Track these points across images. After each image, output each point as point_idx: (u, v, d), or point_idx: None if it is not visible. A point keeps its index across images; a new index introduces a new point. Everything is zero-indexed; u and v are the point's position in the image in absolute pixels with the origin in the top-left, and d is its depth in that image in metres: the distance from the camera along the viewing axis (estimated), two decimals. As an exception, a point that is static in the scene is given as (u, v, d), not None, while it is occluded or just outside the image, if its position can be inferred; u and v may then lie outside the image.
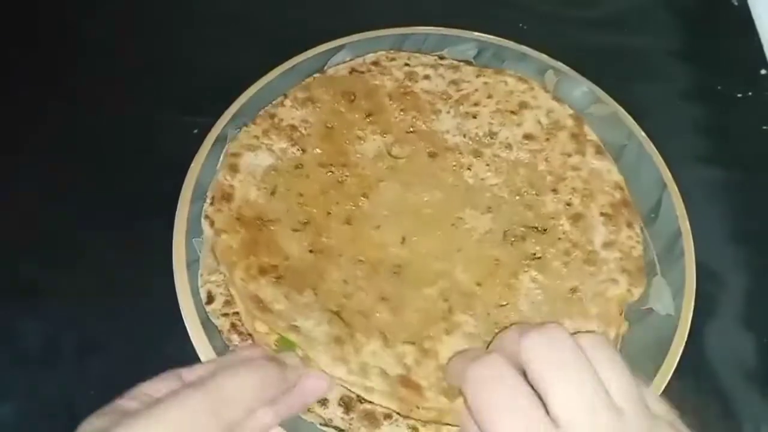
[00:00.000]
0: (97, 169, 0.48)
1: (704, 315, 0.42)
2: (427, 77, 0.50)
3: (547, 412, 0.27)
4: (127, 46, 0.55)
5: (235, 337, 0.40)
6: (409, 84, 0.49)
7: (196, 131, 0.47)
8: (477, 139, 0.48)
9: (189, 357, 0.39)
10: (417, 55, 0.51)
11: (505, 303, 0.41)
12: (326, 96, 0.48)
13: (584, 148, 0.47)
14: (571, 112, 0.48)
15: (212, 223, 0.42)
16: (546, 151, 0.47)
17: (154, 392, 0.31)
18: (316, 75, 0.49)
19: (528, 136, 0.47)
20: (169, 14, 0.57)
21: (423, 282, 0.42)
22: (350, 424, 0.37)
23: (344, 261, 0.42)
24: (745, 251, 0.47)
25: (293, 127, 0.47)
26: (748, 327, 0.44)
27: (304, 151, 0.46)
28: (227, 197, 0.44)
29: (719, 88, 0.54)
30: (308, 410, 0.37)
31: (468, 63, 0.51)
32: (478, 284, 0.42)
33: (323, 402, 0.37)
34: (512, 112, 0.48)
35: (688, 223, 0.44)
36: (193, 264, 0.42)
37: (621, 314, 0.40)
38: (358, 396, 0.37)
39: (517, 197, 0.45)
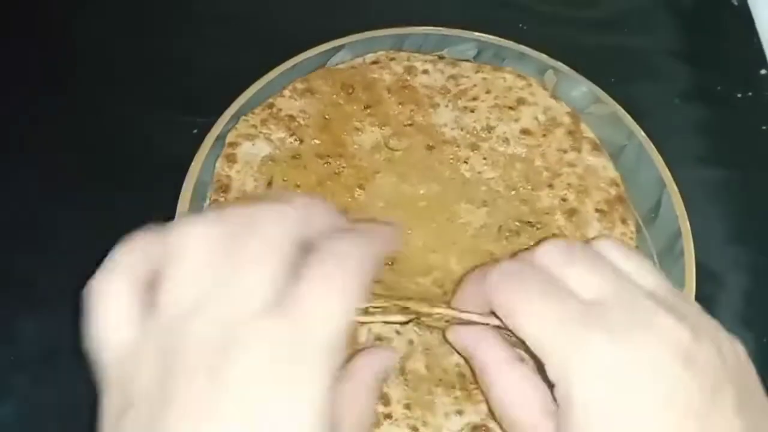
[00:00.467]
0: (97, 169, 0.49)
1: (704, 315, 0.42)
2: (425, 72, 0.50)
3: None
4: (127, 46, 0.55)
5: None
6: (408, 78, 0.50)
7: (195, 131, 0.48)
8: (474, 132, 0.48)
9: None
10: (416, 55, 0.51)
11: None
12: (325, 87, 0.49)
13: (580, 145, 0.47)
14: (568, 109, 0.48)
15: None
16: (542, 147, 0.47)
17: None
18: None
19: (525, 131, 0.48)
20: (169, 14, 0.58)
21: (417, 273, 0.42)
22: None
23: None
24: (745, 251, 0.46)
25: (291, 117, 0.47)
26: (748, 327, 0.43)
27: (301, 141, 0.46)
28: (224, 188, 0.44)
29: (719, 88, 0.54)
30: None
31: (468, 62, 0.51)
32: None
33: None
34: (510, 108, 0.48)
35: (688, 223, 0.44)
36: (193, 264, 0.42)
37: None
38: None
39: (513, 192, 0.45)
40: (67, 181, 0.48)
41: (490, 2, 0.58)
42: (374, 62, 0.50)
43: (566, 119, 0.48)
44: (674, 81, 0.54)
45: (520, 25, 0.55)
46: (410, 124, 0.48)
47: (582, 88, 0.50)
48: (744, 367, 0.28)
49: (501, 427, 0.31)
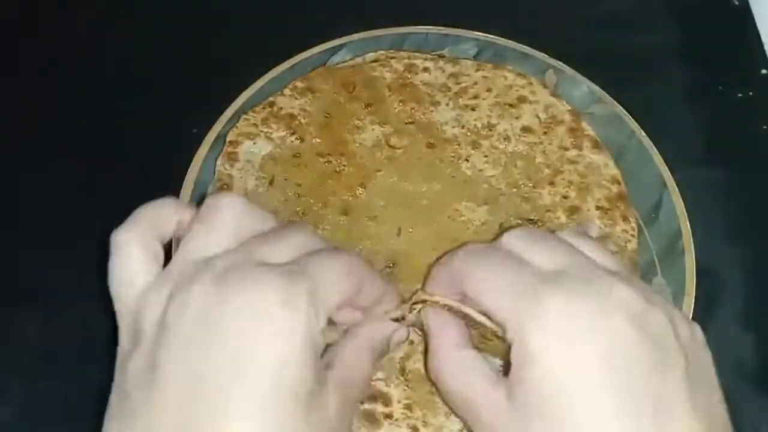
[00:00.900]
0: (96, 170, 0.48)
1: (704, 315, 0.41)
2: (426, 70, 0.50)
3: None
4: (126, 46, 0.55)
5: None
6: (409, 76, 0.50)
7: (195, 131, 0.47)
8: (475, 130, 0.48)
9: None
10: (417, 54, 0.51)
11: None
12: (326, 86, 0.49)
13: (581, 143, 0.47)
14: (569, 108, 0.49)
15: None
16: (544, 144, 0.47)
17: None
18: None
19: (526, 129, 0.48)
20: (168, 14, 0.57)
21: (417, 276, 0.42)
22: (350, 425, 0.37)
23: None
24: (745, 251, 0.46)
25: (292, 116, 0.47)
26: (748, 327, 0.44)
27: (302, 140, 0.46)
28: (226, 187, 0.44)
29: (719, 88, 0.54)
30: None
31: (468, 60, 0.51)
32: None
33: None
34: (511, 105, 0.48)
35: (688, 223, 0.44)
36: (193, 264, 0.42)
37: None
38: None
39: (514, 189, 0.45)
40: (67, 181, 0.48)
41: (490, 2, 0.58)
42: (374, 61, 0.50)
43: (567, 117, 0.48)
44: (674, 81, 0.54)
45: (521, 24, 0.55)
46: (411, 123, 0.48)
47: (582, 87, 0.50)
48: (699, 348, 0.28)
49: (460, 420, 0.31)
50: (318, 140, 0.47)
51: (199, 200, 0.44)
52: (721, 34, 0.57)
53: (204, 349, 0.24)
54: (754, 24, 0.57)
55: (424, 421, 0.37)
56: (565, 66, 0.51)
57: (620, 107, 0.49)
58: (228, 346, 0.24)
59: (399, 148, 0.47)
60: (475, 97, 0.49)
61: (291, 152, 0.46)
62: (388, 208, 0.44)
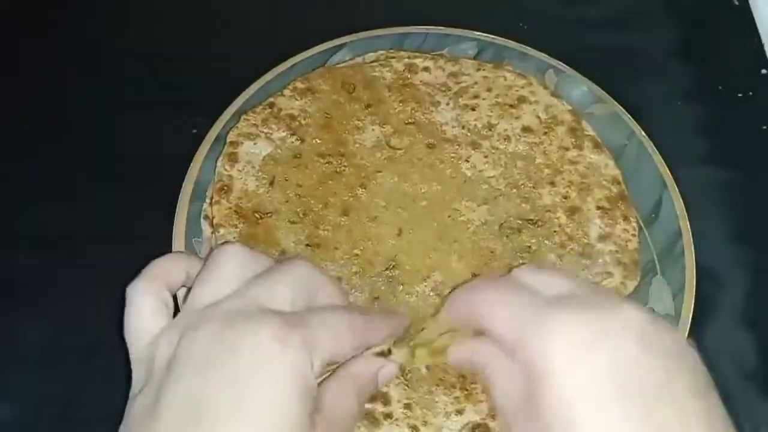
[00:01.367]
0: (96, 170, 0.48)
1: (704, 315, 0.42)
2: (426, 69, 0.50)
3: None
4: (126, 46, 0.55)
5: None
6: (409, 76, 0.50)
7: (194, 131, 0.47)
8: (475, 130, 0.48)
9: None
10: (417, 54, 0.51)
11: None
12: (326, 86, 0.49)
13: (582, 143, 0.47)
14: (569, 108, 0.49)
15: (212, 222, 0.42)
16: (544, 145, 0.47)
17: None
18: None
19: (526, 129, 0.48)
20: (168, 14, 0.57)
21: (417, 278, 0.42)
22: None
23: (340, 255, 0.42)
24: (745, 251, 0.46)
25: (292, 117, 0.47)
26: (748, 327, 0.44)
27: (302, 140, 0.46)
28: (226, 188, 0.44)
29: (719, 88, 0.54)
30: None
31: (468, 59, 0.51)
32: (474, 275, 0.42)
33: None
34: (511, 106, 0.48)
35: (688, 223, 0.44)
36: (193, 264, 0.42)
37: None
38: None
39: (514, 190, 0.45)
40: (67, 181, 0.48)
41: (490, 2, 0.58)
42: (374, 61, 0.50)
43: (567, 117, 0.48)
44: (674, 81, 0.54)
45: (520, 24, 0.55)
46: (411, 123, 0.48)
47: (582, 87, 0.50)
48: (699, 367, 0.28)
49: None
50: (318, 141, 0.47)
51: (198, 200, 0.44)
52: (721, 34, 0.57)
53: (204, 381, 0.26)
54: (754, 24, 0.57)
55: (423, 421, 0.37)
56: (565, 66, 0.51)
57: (620, 107, 0.49)
58: (227, 381, 0.26)
59: (399, 149, 0.47)
60: (475, 96, 0.49)
61: (291, 153, 0.46)
62: (389, 208, 0.44)
